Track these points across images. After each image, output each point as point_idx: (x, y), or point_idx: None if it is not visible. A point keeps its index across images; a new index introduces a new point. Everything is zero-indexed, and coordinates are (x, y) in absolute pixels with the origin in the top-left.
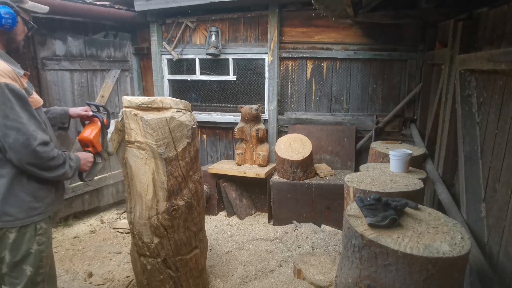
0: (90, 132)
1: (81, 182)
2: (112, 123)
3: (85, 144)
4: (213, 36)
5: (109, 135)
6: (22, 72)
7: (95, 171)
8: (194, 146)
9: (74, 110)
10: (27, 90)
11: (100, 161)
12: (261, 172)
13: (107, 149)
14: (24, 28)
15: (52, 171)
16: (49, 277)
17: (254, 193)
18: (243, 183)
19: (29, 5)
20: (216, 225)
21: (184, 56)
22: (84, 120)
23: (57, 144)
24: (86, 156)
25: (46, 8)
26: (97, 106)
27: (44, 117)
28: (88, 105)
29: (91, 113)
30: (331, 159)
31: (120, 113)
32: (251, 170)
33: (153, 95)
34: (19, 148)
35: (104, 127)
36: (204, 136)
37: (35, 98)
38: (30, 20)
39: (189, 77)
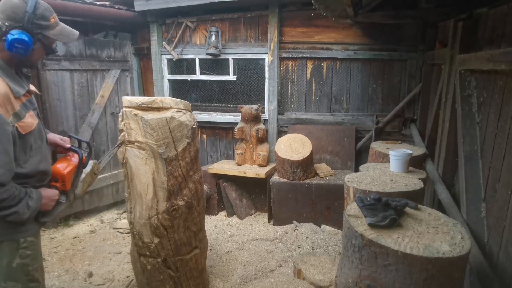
0: (65, 167)
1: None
2: (90, 163)
3: (55, 178)
4: (213, 36)
5: (83, 175)
6: (22, 92)
7: (56, 212)
8: (194, 146)
9: (52, 137)
10: (17, 115)
11: (64, 201)
12: (261, 172)
13: (76, 189)
14: (43, 52)
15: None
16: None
17: (254, 193)
18: (243, 183)
19: (55, 32)
20: (216, 225)
21: (184, 56)
22: (58, 152)
23: (49, 162)
24: (50, 194)
25: (75, 35)
26: (80, 141)
27: (32, 141)
28: (70, 137)
29: (68, 145)
30: (331, 159)
31: (120, 113)
32: (251, 170)
33: (153, 95)
34: None
35: (81, 165)
36: (204, 136)
37: (26, 123)
38: (55, 44)
39: (189, 77)
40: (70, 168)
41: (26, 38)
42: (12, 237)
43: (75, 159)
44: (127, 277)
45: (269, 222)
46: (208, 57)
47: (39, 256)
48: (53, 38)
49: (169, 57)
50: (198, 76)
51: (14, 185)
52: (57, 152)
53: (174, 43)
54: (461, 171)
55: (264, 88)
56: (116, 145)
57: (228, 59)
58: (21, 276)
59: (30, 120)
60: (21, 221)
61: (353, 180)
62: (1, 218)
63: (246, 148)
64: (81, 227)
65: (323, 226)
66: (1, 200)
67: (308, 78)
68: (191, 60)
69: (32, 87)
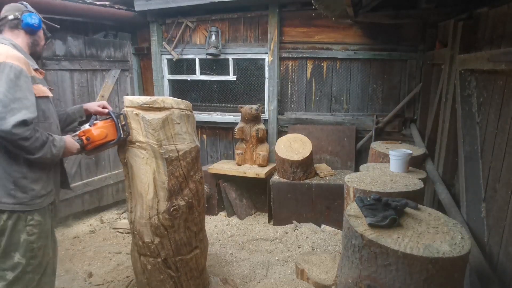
0: (103, 136)
1: (81, 182)
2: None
3: (88, 137)
4: (213, 36)
5: (103, 148)
6: (36, 66)
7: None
8: (195, 146)
9: (90, 105)
10: (33, 78)
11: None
12: (261, 172)
13: (91, 153)
14: (44, 36)
15: (26, 152)
16: (45, 271)
17: (254, 193)
18: (243, 183)
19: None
20: (216, 225)
21: (184, 56)
22: (97, 114)
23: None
24: (73, 146)
25: (57, 27)
26: (125, 124)
27: (46, 108)
28: (121, 115)
29: (106, 110)
30: (331, 159)
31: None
32: (251, 170)
33: (153, 95)
34: None
35: (113, 144)
36: (204, 136)
37: (40, 87)
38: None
39: (189, 77)
40: (104, 141)
41: (36, 15)
42: (18, 207)
43: (114, 136)
44: (127, 277)
45: (269, 222)
46: (208, 57)
47: (45, 237)
48: (47, 22)
49: (169, 57)
50: (198, 76)
51: (36, 128)
52: (97, 114)
53: (174, 43)
54: (461, 171)
55: (264, 88)
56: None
57: (228, 59)
58: (26, 251)
59: (44, 88)
60: (45, 162)
61: (353, 180)
62: (34, 160)
63: (246, 148)
64: (81, 227)
65: (323, 226)
66: (25, 137)
67: (308, 78)
68: (191, 60)
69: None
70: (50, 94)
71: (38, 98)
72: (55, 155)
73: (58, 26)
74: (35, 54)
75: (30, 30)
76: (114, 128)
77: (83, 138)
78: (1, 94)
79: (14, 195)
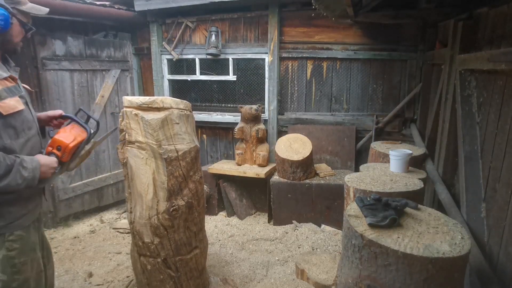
0: (71, 139)
1: (81, 182)
2: (91, 143)
3: (58, 147)
4: (213, 36)
5: (82, 152)
6: (5, 74)
7: (50, 180)
8: (195, 146)
9: (42, 114)
10: None
11: (57, 171)
12: (261, 172)
13: (71, 164)
14: (22, 30)
15: None
16: (36, 285)
17: (254, 193)
18: (243, 183)
19: (27, 6)
20: (216, 225)
21: (184, 56)
22: (55, 125)
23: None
24: (49, 162)
25: (45, 10)
26: (89, 117)
27: (18, 123)
28: (80, 110)
29: (59, 112)
30: (331, 159)
31: (121, 113)
32: (251, 170)
33: (153, 95)
34: None
35: (87, 142)
36: (204, 136)
37: (7, 104)
38: (29, 22)
39: (189, 77)
40: (76, 143)
41: (1, 10)
42: None
43: (83, 134)
44: (127, 277)
45: (269, 222)
46: (208, 57)
47: (30, 251)
48: (26, 11)
49: (169, 57)
50: (198, 76)
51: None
52: (54, 125)
53: (174, 43)
54: (461, 171)
55: (264, 88)
56: (114, 128)
57: (228, 59)
58: (6, 267)
59: (13, 103)
60: (17, 189)
61: (353, 180)
62: None
63: (246, 148)
64: (81, 227)
65: (323, 226)
66: None
67: (308, 78)
68: (191, 60)
69: (24, 85)
70: (21, 107)
71: (7, 116)
72: (29, 179)
73: (34, 29)
74: (8, 52)
75: None
76: (79, 127)
77: (53, 151)
78: None
79: None
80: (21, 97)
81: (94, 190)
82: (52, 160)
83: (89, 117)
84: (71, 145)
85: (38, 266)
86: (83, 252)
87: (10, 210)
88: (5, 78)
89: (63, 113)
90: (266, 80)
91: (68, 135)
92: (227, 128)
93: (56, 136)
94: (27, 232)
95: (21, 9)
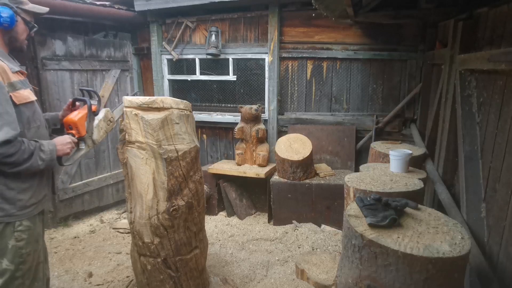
0: (75, 115)
1: (81, 182)
2: (102, 111)
3: (69, 126)
4: (213, 36)
5: (96, 121)
6: (16, 68)
7: (76, 156)
8: (195, 146)
9: (61, 114)
10: (13, 85)
11: (84, 147)
12: (261, 172)
13: (92, 135)
14: (26, 28)
15: (12, 167)
16: (36, 275)
17: (254, 193)
18: (243, 183)
19: (29, 6)
20: (216, 225)
21: (184, 56)
22: (69, 110)
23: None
24: (62, 139)
25: (45, 9)
26: (89, 92)
27: (30, 114)
28: (81, 90)
29: (70, 99)
30: (331, 159)
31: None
32: (251, 170)
33: (153, 95)
34: None
35: (91, 112)
36: (204, 136)
37: (21, 94)
38: (32, 21)
39: (189, 77)
40: (80, 115)
41: (7, 9)
42: (6, 219)
43: (84, 108)
44: (127, 277)
45: (269, 222)
46: (208, 57)
47: (35, 242)
48: (29, 10)
49: (169, 57)
50: (198, 76)
51: (21, 140)
52: (68, 110)
53: (174, 43)
54: (461, 171)
55: (264, 88)
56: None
57: (228, 59)
58: (15, 257)
59: (26, 94)
60: (37, 170)
61: (353, 180)
62: (19, 172)
63: (246, 148)
64: (81, 227)
65: (323, 226)
66: (10, 154)
67: (308, 78)
68: (191, 60)
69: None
70: (33, 98)
71: (20, 105)
72: (47, 160)
73: (37, 27)
74: (15, 50)
75: (3, 27)
76: (83, 104)
77: (68, 131)
78: None
79: (2, 208)
80: (31, 90)
81: (94, 190)
82: (65, 137)
83: (89, 92)
84: (76, 118)
85: (39, 257)
86: (83, 252)
87: (21, 197)
88: (16, 72)
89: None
90: (266, 80)
91: (73, 113)
92: (227, 128)
93: (64, 119)
94: (33, 223)
95: (24, 8)
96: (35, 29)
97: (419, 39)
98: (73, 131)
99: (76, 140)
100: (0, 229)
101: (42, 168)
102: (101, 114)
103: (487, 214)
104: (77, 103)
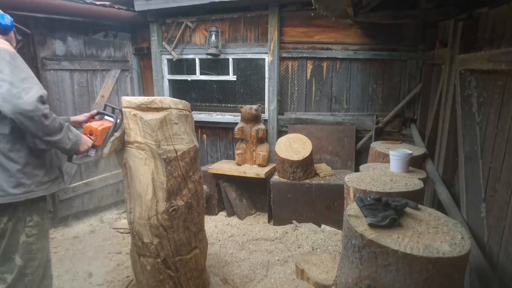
0: (99, 124)
1: (81, 182)
2: (119, 131)
3: (90, 132)
4: (213, 36)
5: (112, 137)
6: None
7: (83, 160)
8: (194, 146)
9: (78, 117)
10: None
11: (93, 155)
12: (261, 172)
13: (105, 148)
14: (15, 38)
15: (46, 132)
16: (45, 272)
17: (254, 193)
18: (243, 183)
19: None
20: (216, 225)
21: (184, 56)
22: (90, 118)
23: None
24: (87, 139)
25: (28, 31)
26: (113, 109)
27: None
28: (106, 106)
29: (94, 111)
30: (331, 159)
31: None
32: (251, 170)
33: (153, 95)
34: (11, 98)
35: (114, 129)
36: (204, 136)
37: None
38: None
39: (189, 77)
40: (104, 127)
41: (7, 16)
42: (29, 195)
43: (110, 122)
44: (127, 277)
45: (269, 222)
46: (208, 57)
47: (44, 238)
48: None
49: (169, 57)
50: (198, 76)
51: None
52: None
53: (174, 43)
54: (461, 171)
55: (264, 88)
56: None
57: (228, 59)
58: (25, 253)
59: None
60: (64, 147)
61: (353, 180)
62: (51, 144)
63: (246, 148)
64: (81, 227)
65: (323, 226)
66: (46, 114)
67: (308, 78)
68: (191, 60)
69: None
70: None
71: None
72: (73, 143)
73: (29, 32)
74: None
75: (3, 30)
76: (107, 118)
77: (87, 135)
78: (7, 76)
79: (23, 183)
80: None
81: (94, 190)
82: (88, 139)
83: (113, 109)
84: (100, 128)
85: (48, 254)
86: (83, 252)
87: (36, 173)
88: None
89: (98, 111)
90: (266, 80)
91: (97, 122)
92: (227, 128)
93: (88, 124)
94: (42, 218)
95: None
96: (20, 43)
97: (419, 39)
98: (92, 138)
99: (91, 146)
100: (13, 223)
101: (68, 148)
102: (118, 133)
103: (487, 214)
104: (96, 117)
